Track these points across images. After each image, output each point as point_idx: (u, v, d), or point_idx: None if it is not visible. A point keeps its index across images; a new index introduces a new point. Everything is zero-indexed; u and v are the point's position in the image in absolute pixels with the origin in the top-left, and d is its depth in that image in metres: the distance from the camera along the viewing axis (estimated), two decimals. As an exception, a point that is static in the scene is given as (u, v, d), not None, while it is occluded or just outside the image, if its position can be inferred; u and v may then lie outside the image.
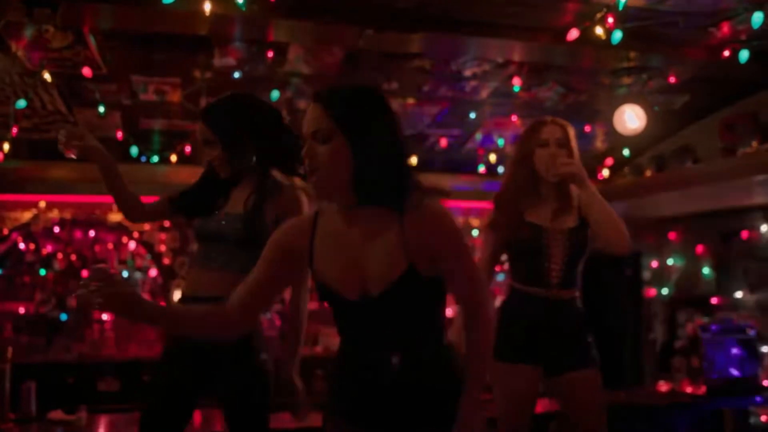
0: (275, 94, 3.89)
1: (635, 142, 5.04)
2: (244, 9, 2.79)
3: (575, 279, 2.40)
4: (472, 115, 4.41)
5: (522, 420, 2.38)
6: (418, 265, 1.45)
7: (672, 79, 3.93)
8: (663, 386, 4.46)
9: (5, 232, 5.29)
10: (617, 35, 2.99)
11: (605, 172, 5.47)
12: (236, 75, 3.71)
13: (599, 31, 2.93)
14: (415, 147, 4.94)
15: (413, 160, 4.91)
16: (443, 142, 4.98)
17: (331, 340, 6.27)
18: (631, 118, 3.61)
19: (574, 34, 3.14)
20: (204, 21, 3.10)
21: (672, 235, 6.22)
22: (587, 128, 4.46)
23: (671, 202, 5.49)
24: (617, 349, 6.28)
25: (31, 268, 5.48)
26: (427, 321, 1.54)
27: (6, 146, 4.24)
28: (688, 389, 4.37)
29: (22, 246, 5.42)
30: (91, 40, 3.43)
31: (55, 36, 3.42)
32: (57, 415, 3.43)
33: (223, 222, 2.08)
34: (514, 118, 4.50)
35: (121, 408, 3.68)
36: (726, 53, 3.42)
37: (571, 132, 2.43)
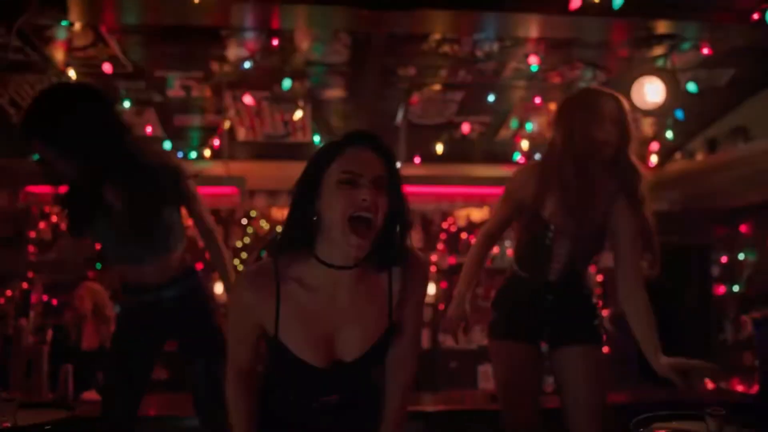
0: (287, 83, 3.93)
1: (683, 125, 4.72)
2: None
3: (580, 275, 2.32)
4: (491, 99, 4.28)
5: (523, 399, 2.27)
6: (396, 320, 1.42)
7: (705, 50, 3.64)
8: (710, 383, 4.12)
9: (62, 227, 5.66)
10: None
11: (653, 159, 5.15)
12: (246, 65, 3.77)
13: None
14: (446, 137, 4.86)
15: (439, 149, 4.84)
16: (475, 130, 4.86)
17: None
18: (651, 92, 3.37)
19: (576, 2, 2.97)
20: (206, 10, 3.19)
21: (743, 228, 5.77)
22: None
23: (739, 189, 5.09)
24: (682, 350, 5.90)
25: (88, 262, 5.85)
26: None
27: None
28: (739, 387, 4.02)
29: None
30: (109, 37, 3.60)
31: (78, 35, 3.63)
32: (91, 395, 3.60)
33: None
34: (537, 100, 4.33)
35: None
36: (755, 16, 3.14)
37: (626, 110, 2.14)
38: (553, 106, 4.90)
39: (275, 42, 3.58)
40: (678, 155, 5.24)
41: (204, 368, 2.13)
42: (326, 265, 1.34)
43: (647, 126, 5.05)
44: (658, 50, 3.51)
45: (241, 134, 4.97)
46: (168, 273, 2.16)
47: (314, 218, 1.32)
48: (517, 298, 2.31)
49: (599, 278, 5.84)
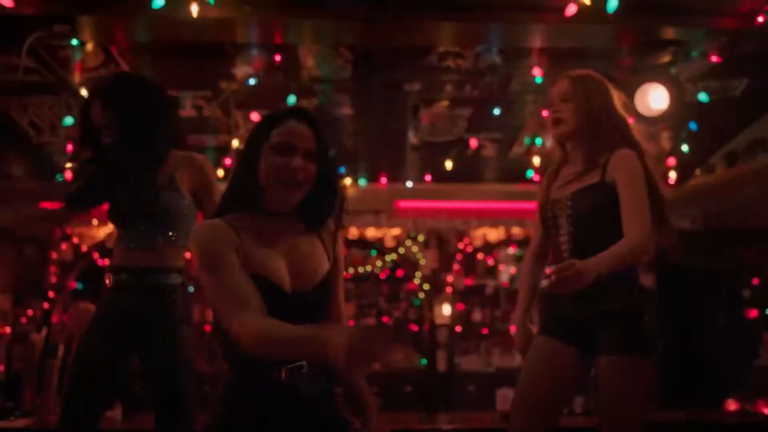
0: (292, 100, 3.98)
1: (701, 140, 4.62)
2: (212, 3, 2.90)
3: (598, 249, 1.91)
4: (499, 113, 4.26)
5: (534, 395, 2.06)
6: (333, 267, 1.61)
7: (714, 58, 3.57)
8: (732, 405, 3.95)
9: (84, 249, 5.78)
10: (613, 3, 2.78)
11: (672, 175, 5.03)
12: (251, 82, 3.84)
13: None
14: (456, 154, 4.85)
15: (449, 165, 4.82)
16: (487, 147, 4.83)
17: (391, 356, 6.18)
18: (655, 98, 3.31)
19: (572, 9, 2.96)
20: (210, 26, 3.26)
21: (773, 247, 5.59)
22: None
23: (764, 207, 4.94)
24: (715, 374, 5.68)
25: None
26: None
27: (69, 164, 4.65)
28: (766, 410, 3.83)
29: (101, 263, 5.91)
30: (120, 57, 3.71)
31: (89, 55, 3.75)
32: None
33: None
34: (546, 114, 4.28)
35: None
36: (760, 19, 3.07)
37: (589, 85, 2.10)
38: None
39: (278, 58, 3.64)
40: (697, 171, 5.11)
41: (167, 382, 2.06)
42: (269, 213, 1.52)
43: (663, 140, 4.95)
44: (664, 57, 3.45)
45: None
46: (160, 261, 2.12)
47: (255, 178, 1.49)
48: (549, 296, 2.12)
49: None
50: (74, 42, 3.49)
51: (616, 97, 2.15)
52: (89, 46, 3.69)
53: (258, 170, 1.49)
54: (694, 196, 5.16)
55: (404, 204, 4.87)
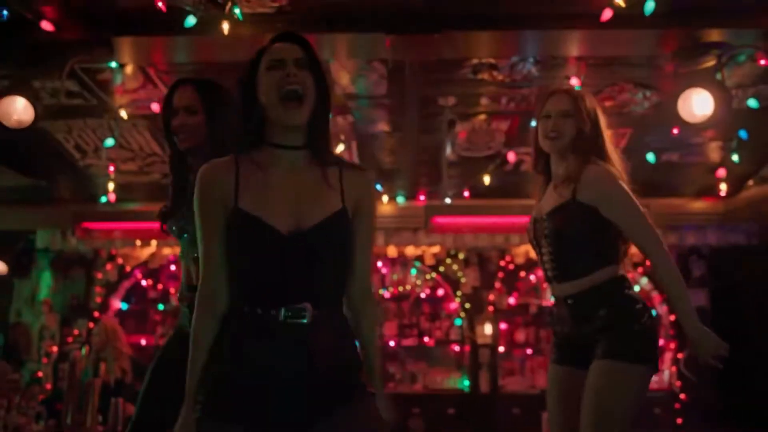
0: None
1: (755, 150, 4.42)
2: (240, 18, 2.92)
3: (578, 267, 2.04)
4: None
5: (558, 422, 2.09)
6: (349, 212, 1.51)
7: (763, 62, 3.41)
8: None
9: (127, 269, 5.88)
10: (650, 5, 2.68)
11: (723, 187, 4.82)
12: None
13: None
14: (494, 169, 4.76)
15: (487, 180, 4.73)
16: (526, 161, 4.73)
17: (430, 378, 6.05)
18: (699, 104, 3.17)
19: (608, 14, 2.87)
20: (243, 45, 3.29)
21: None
22: (675, 130, 3.96)
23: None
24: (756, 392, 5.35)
25: (152, 303, 6.05)
26: (342, 278, 1.52)
27: (111, 186, 4.76)
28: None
29: (143, 283, 6.01)
30: (156, 78, 3.79)
31: (128, 77, 3.84)
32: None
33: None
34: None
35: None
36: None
37: (586, 101, 2.11)
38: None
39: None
40: (750, 182, 4.89)
41: None
42: (277, 146, 1.49)
43: (712, 151, 4.76)
44: (708, 62, 3.32)
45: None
46: None
47: (258, 109, 1.48)
48: (551, 317, 2.22)
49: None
50: (113, 64, 3.58)
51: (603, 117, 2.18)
52: (128, 69, 3.78)
53: (259, 101, 1.48)
54: (747, 208, 4.93)
55: (440, 220, 4.78)
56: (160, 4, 2.85)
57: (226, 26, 2.99)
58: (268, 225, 1.42)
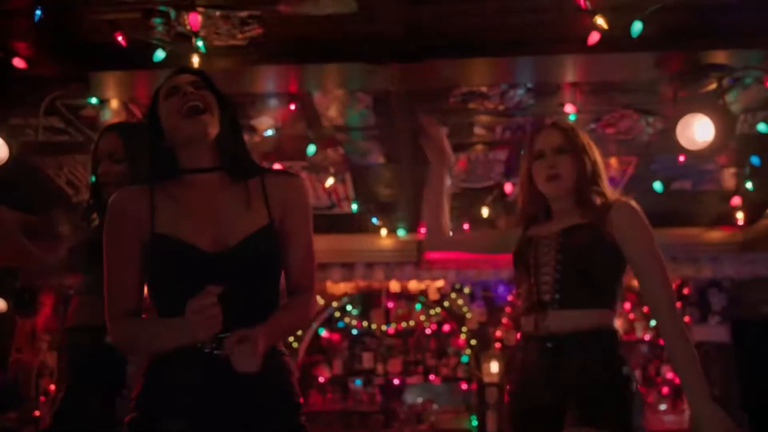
0: (311, 149, 3.87)
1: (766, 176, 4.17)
2: (204, 51, 2.83)
3: (582, 296, 1.78)
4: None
5: None
6: (276, 223, 1.47)
7: (770, 83, 3.20)
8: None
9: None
10: (636, 27, 2.52)
11: (739, 215, 4.56)
12: (269, 133, 3.75)
13: (600, 21, 2.49)
14: (493, 200, 4.59)
15: (485, 213, 4.55)
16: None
17: (437, 418, 5.80)
18: (700, 130, 2.96)
19: (594, 37, 2.71)
20: (224, 77, 3.21)
21: None
22: (682, 157, 3.75)
23: None
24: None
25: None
26: (275, 298, 1.46)
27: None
28: None
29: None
30: (139, 112, 3.71)
31: (112, 112, 3.77)
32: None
33: None
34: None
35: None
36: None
37: (581, 135, 1.94)
38: (613, 162, 4.52)
39: (293, 106, 3.54)
40: (768, 211, 4.62)
41: None
42: (191, 171, 1.46)
43: (727, 178, 4.51)
44: (709, 85, 3.12)
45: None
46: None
47: (164, 141, 1.46)
48: (509, 370, 1.97)
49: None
50: (93, 100, 3.52)
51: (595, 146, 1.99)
52: (113, 103, 3.72)
53: (165, 130, 1.46)
54: (766, 238, 4.65)
55: (433, 255, 4.59)
56: (120, 38, 2.77)
57: (195, 59, 2.91)
58: (189, 245, 1.38)
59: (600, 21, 2.51)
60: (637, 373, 5.54)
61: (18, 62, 3.07)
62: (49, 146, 4.05)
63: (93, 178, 2.00)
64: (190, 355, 1.32)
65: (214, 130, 1.44)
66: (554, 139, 1.91)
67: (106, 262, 1.42)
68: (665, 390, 5.86)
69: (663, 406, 5.88)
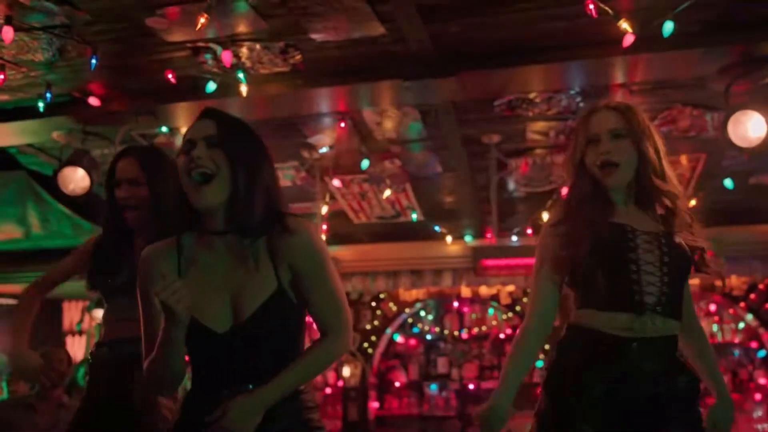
0: (365, 163, 4.00)
1: None
2: (243, 81, 3.00)
3: (678, 307, 1.66)
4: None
5: None
6: (286, 284, 1.46)
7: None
8: None
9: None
10: (668, 26, 2.46)
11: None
12: (325, 149, 3.92)
13: (624, 26, 2.44)
14: (552, 205, 4.52)
15: (545, 217, 4.49)
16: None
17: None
18: (753, 126, 2.81)
19: (629, 39, 2.65)
20: (276, 101, 3.41)
21: None
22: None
23: None
24: None
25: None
26: (286, 353, 1.46)
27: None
28: None
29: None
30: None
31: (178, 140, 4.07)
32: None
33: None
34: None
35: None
36: None
37: (641, 117, 1.70)
38: (683, 159, 4.34)
39: (343, 124, 3.68)
40: None
41: None
42: (208, 232, 1.48)
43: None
44: (763, 78, 2.95)
45: (355, 218, 5.12)
46: None
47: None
48: (584, 372, 1.67)
49: None
50: (164, 129, 3.82)
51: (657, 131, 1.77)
52: (183, 131, 4.01)
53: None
54: None
55: (489, 263, 4.54)
56: (170, 76, 3.01)
57: (244, 89, 3.10)
58: (203, 326, 1.43)
59: (625, 25, 2.46)
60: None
61: (93, 100, 3.41)
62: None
63: (110, 203, 2.03)
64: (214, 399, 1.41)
65: (219, 198, 1.43)
66: (610, 122, 1.67)
67: (141, 316, 1.50)
68: (758, 396, 5.52)
69: (759, 413, 5.53)
